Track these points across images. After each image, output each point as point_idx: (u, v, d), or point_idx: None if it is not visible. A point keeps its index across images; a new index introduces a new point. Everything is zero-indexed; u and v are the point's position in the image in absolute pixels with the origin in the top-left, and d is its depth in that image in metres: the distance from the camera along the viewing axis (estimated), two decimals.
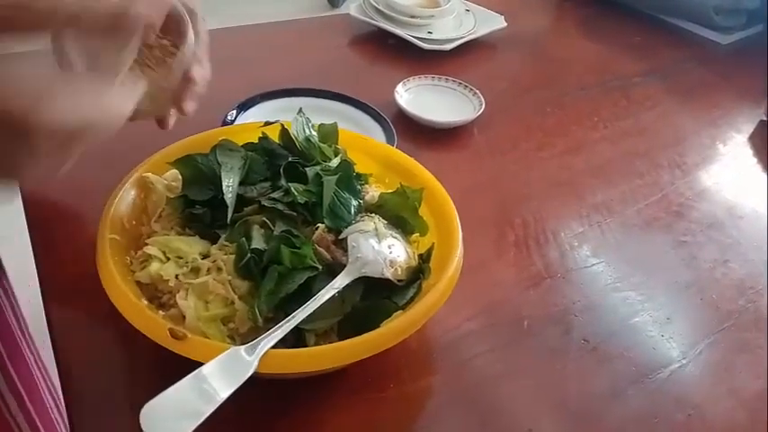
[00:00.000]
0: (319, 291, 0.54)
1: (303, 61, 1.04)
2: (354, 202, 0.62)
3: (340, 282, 0.54)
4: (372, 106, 0.89)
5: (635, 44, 1.23)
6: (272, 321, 0.53)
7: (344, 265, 0.57)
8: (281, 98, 0.90)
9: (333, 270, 0.57)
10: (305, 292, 0.54)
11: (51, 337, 0.59)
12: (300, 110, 0.66)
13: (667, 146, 0.97)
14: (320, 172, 0.62)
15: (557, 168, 0.89)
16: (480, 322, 0.66)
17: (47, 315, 0.61)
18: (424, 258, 0.61)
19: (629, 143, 0.96)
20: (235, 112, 0.86)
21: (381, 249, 0.58)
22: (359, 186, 0.64)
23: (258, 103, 0.88)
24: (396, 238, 0.61)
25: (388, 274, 0.57)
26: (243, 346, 0.48)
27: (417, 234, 0.64)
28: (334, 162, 0.64)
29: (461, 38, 1.10)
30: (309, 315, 0.53)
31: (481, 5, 1.21)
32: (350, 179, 0.63)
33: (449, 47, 1.08)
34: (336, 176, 0.62)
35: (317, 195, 0.61)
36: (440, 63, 1.06)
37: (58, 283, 0.64)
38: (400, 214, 0.64)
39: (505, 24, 1.16)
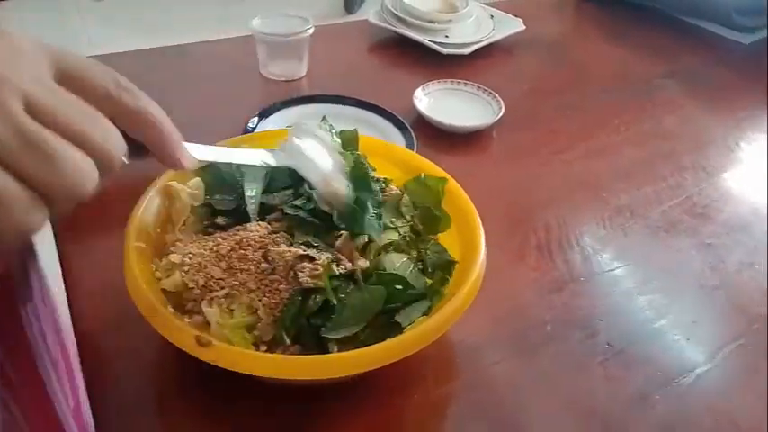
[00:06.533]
0: (341, 299, 0.54)
1: (322, 67, 1.04)
2: (372, 202, 0.61)
3: (267, 160, 0.55)
4: (392, 112, 0.89)
5: (655, 46, 1.22)
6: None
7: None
8: (301, 105, 0.90)
9: (355, 278, 0.57)
10: (327, 301, 0.54)
11: (78, 346, 0.60)
12: (324, 117, 0.66)
13: (691, 148, 0.96)
14: None
15: (579, 172, 0.89)
16: (503, 327, 0.66)
17: (73, 323, 0.62)
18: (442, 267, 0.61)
19: (653, 146, 0.95)
20: (256, 119, 0.86)
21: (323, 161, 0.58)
22: (376, 186, 0.63)
23: (279, 110, 0.89)
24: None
25: (317, 182, 0.57)
26: None
27: (440, 233, 0.64)
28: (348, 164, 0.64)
29: (480, 42, 1.10)
30: (332, 324, 0.53)
31: (499, 9, 1.20)
32: (365, 180, 0.62)
33: (467, 51, 1.08)
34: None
35: None
36: (459, 67, 1.06)
37: (85, 290, 0.65)
38: (424, 204, 0.64)
39: (524, 27, 1.16)
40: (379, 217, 0.60)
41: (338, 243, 0.59)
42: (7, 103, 0.30)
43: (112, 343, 0.61)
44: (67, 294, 0.64)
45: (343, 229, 0.59)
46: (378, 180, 0.64)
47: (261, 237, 0.57)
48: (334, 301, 0.54)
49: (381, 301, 0.55)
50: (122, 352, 0.60)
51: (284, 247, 0.56)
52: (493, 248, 0.61)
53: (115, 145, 0.34)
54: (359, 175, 0.62)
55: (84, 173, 0.32)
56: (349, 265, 0.57)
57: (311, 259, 0.56)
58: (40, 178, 0.30)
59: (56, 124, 0.31)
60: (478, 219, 0.62)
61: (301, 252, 0.56)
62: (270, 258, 0.55)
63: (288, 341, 0.52)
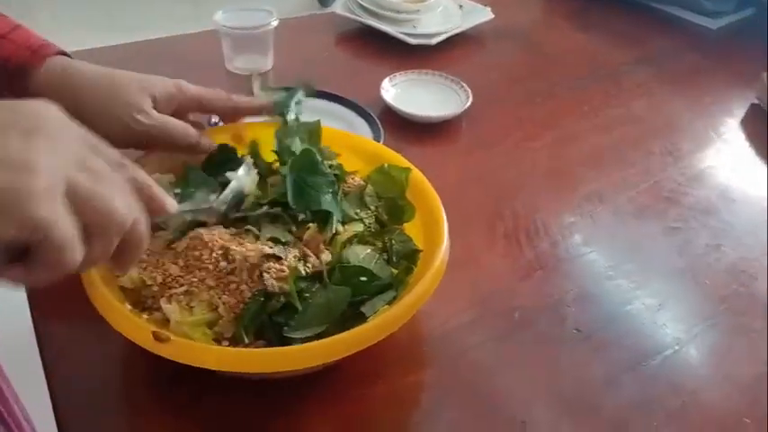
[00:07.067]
0: (306, 298, 0.54)
1: (289, 61, 1.04)
2: (326, 183, 0.61)
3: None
4: (358, 103, 0.89)
5: (625, 32, 1.22)
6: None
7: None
8: None
9: (320, 274, 0.56)
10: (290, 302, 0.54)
11: (39, 347, 0.59)
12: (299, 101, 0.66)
13: (659, 133, 0.96)
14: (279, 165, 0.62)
15: (547, 159, 0.89)
16: (472, 315, 0.66)
17: (34, 324, 0.60)
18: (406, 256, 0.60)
19: (621, 132, 0.95)
20: None
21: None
22: (326, 169, 0.62)
23: None
24: None
25: None
26: None
27: (405, 223, 0.64)
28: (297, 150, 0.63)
29: (448, 31, 1.10)
30: (295, 323, 0.52)
31: None
32: (314, 164, 0.62)
33: (435, 41, 1.08)
34: (291, 161, 0.61)
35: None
36: (427, 58, 1.05)
37: (45, 290, 0.63)
38: (388, 195, 0.64)
39: (492, 16, 1.15)
40: (334, 196, 0.60)
41: (306, 236, 0.58)
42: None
43: (77, 343, 0.60)
44: (27, 294, 0.62)
45: (307, 221, 0.59)
46: (331, 166, 0.64)
47: (220, 236, 0.56)
48: (300, 307, 0.53)
49: (346, 301, 0.54)
50: (87, 351, 0.59)
51: (248, 246, 0.55)
52: (461, 237, 0.61)
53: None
54: (308, 162, 0.61)
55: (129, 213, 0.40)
56: (316, 261, 0.56)
57: (277, 258, 0.55)
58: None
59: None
60: (442, 207, 0.62)
61: (267, 250, 0.55)
62: (230, 258, 0.54)
63: (246, 340, 0.52)
